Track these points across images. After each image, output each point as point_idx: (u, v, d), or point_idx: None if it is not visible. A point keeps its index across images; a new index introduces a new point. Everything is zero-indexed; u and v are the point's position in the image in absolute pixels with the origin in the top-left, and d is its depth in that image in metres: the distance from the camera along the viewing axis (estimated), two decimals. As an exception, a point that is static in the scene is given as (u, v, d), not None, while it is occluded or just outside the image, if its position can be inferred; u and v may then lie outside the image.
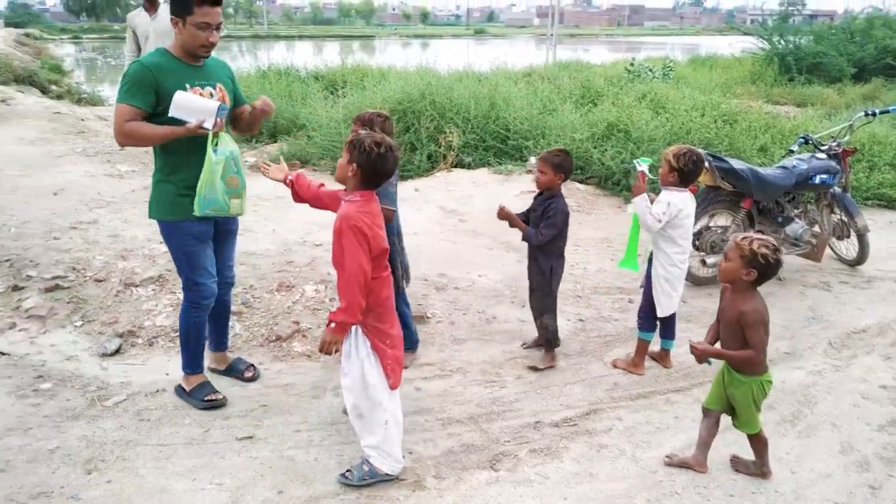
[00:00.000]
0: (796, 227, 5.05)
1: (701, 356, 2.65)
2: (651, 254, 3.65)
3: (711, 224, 4.95)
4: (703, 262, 4.87)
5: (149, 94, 2.83)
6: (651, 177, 3.63)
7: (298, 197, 2.93)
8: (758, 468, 2.82)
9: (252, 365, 3.55)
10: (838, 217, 5.34)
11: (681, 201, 3.44)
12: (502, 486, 2.73)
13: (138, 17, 6.68)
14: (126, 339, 3.82)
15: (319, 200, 2.89)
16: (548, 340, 3.72)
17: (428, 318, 4.26)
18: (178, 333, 3.85)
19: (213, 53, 3.07)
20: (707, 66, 17.19)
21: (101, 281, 4.31)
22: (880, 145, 7.86)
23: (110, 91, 13.34)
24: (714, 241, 4.84)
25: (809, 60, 15.14)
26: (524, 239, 3.58)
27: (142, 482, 2.67)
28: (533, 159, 7.04)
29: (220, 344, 3.54)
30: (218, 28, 2.92)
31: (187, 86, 2.88)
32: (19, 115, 9.05)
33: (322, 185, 2.93)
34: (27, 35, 32.46)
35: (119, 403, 3.24)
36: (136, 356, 3.70)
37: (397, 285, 3.60)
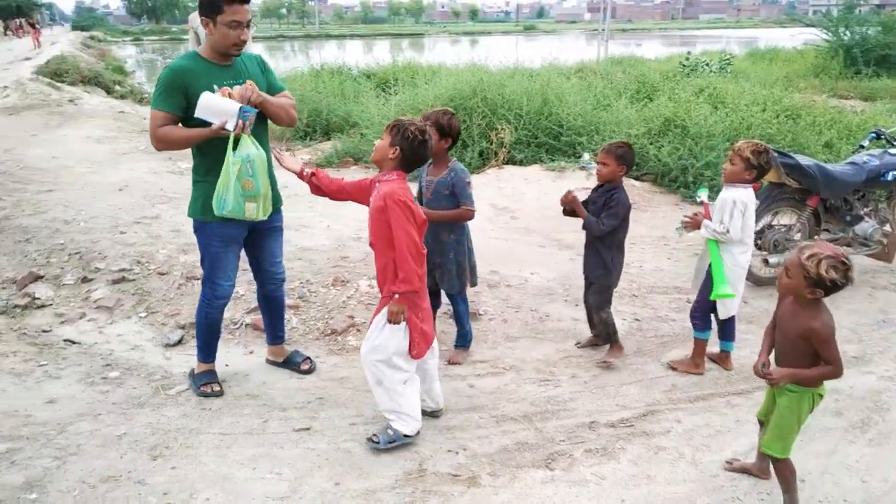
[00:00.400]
0: (866, 226, 4.83)
1: (778, 383, 2.40)
2: (703, 252, 3.54)
3: (774, 222, 4.78)
4: (766, 262, 4.71)
5: (179, 97, 2.87)
6: (710, 203, 3.50)
7: (319, 190, 3.05)
8: None
9: (308, 358, 3.60)
10: (911, 216, 5.08)
11: (747, 196, 3.34)
12: (558, 486, 2.70)
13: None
14: (188, 330, 3.93)
15: (344, 192, 3.03)
16: (608, 335, 3.69)
17: (480, 315, 4.25)
18: (236, 326, 3.97)
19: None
20: (767, 60, 16.64)
21: (163, 274, 4.46)
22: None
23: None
24: (777, 240, 4.67)
25: (877, 52, 14.48)
26: (584, 227, 3.52)
27: (204, 469, 2.75)
28: (587, 155, 6.95)
29: (276, 338, 3.61)
30: (248, 26, 2.94)
31: (215, 87, 2.90)
32: (86, 115, 9.45)
33: (342, 178, 3.06)
34: (92, 38, 33.90)
35: (182, 392, 3.34)
36: (195, 348, 3.80)
37: (462, 284, 3.62)
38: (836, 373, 2.37)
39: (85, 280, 4.39)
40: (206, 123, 2.86)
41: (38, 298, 4.17)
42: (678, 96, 8.37)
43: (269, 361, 3.62)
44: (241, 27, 2.88)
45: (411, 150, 2.73)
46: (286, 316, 4.08)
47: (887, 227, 4.99)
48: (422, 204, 3.55)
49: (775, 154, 4.45)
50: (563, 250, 5.35)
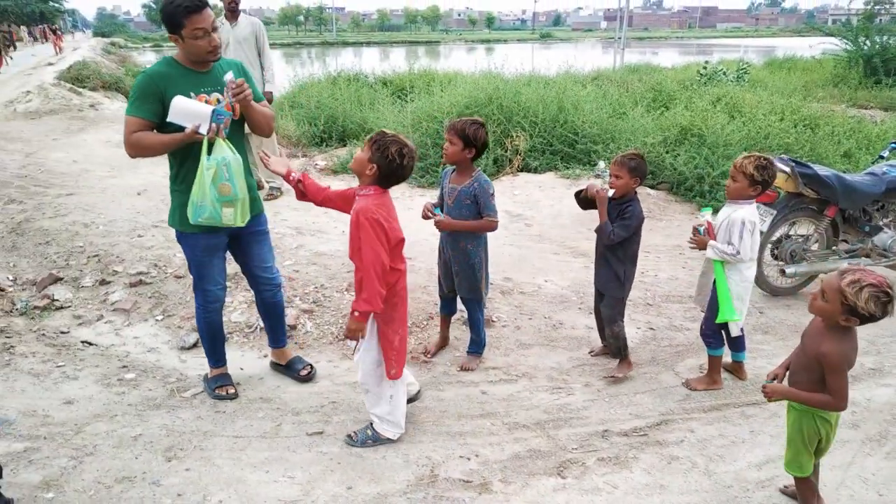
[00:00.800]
0: (885, 237, 4.78)
1: (771, 398, 2.37)
2: (707, 267, 3.44)
3: (792, 233, 4.73)
4: (782, 272, 4.67)
5: (154, 103, 2.82)
6: (713, 221, 3.42)
7: (304, 196, 3.00)
8: None
9: (310, 364, 3.58)
10: (932, 227, 5.02)
11: (754, 214, 3.26)
12: (570, 494, 2.69)
13: (219, 25, 6.95)
14: (203, 333, 3.97)
15: (329, 201, 2.99)
16: (618, 349, 3.63)
17: (494, 321, 4.25)
18: (251, 329, 4.00)
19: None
20: (785, 69, 16.50)
21: (180, 277, 4.51)
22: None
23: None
24: (794, 251, 4.63)
25: (898, 62, 14.32)
26: (596, 230, 3.44)
27: (218, 472, 2.77)
28: (602, 164, 6.93)
29: (277, 341, 3.59)
30: (215, 29, 2.88)
31: (192, 94, 2.86)
32: (107, 120, 9.59)
33: (328, 186, 3.03)
34: (113, 44, 34.40)
35: (196, 395, 3.37)
36: (212, 350, 3.84)
37: (479, 292, 3.62)
38: (837, 405, 2.27)
39: (103, 282, 4.45)
40: (182, 129, 2.81)
41: (57, 300, 4.23)
42: (695, 105, 8.35)
43: (273, 364, 3.64)
44: (208, 34, 2.83)
45: (389, 170, 2.67)
46: (301, 321, 4.12)
47: (907, 239, 4.93)
48: (442, 210, 3.56)
49: (793, 164, 4.43)
50: (577, 258, 5.34)
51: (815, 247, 4.75)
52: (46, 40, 32.43)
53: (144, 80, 2.86)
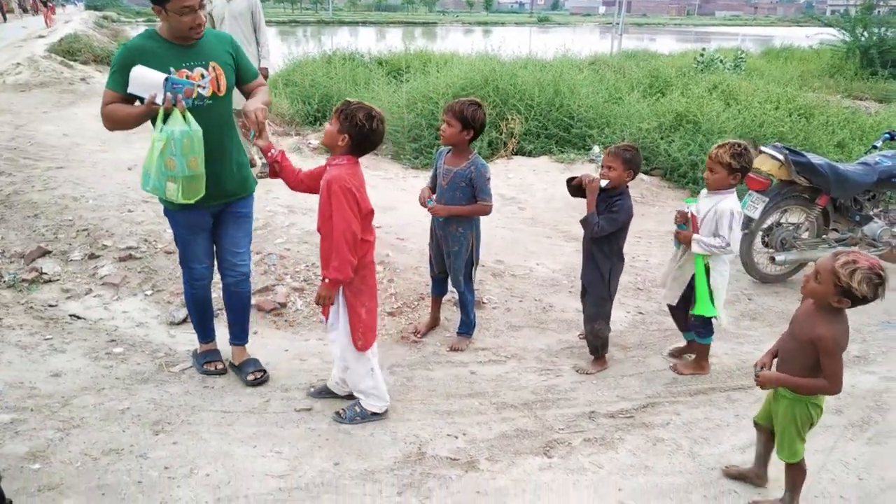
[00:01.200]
0: (875, 226, 4.81)
1: (765, 385, 2.37)
2: (685, 261, 3.36)
3: (783, 220, 4.75)
4: (772, 259, 4.69)
5: (127, 76, 2.71)
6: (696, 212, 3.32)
7: (276, 174, 2.95)
8: (786, 503, 2.50)
9: (262, 370, 3.32)
10: (922, 218, 5.05)
11: (737, 203, 3.20)
12: (555, 473, 2.71)
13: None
14: (193, 309, 3.95)
15: (302, 184, 2.94)
16: (595, 348, 3.56)
17: (484, 303, 4.26)
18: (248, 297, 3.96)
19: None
20: (782, 59, 16.46)
21: (170, 253, 4.48)
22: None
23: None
24: (785, 238, 4.65)
25: (895, 54, 14.30)
26: (582, 221, 3.37)
27: (206, 446, 2.78)
28: (596, 148, 6.92)
29: (236, 337, 3.39)
30: (202, 6, 2.79)
31: (172, 69, 2.76)
32: (98, 94, 9.44)
33: (300, 170, 2.97)
34: (105, 18, 33.88)
35: (185, 370, 3.37)
36: (201, 326, 3.83)
37: (467, 274, 3.62)
38: (832, 389, 2.27)
39: (92, 256, 4.42)
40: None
41: (46, 273, 4.20)
42: (691, 92, 8.33)
43: (230, 365, 3.40)
44: (194, 11, 2.73)
45: (360, 137, 2.68)
46: (292, 299, 4.12)
47: (895, 229, 4.96)
48: (434, 190, 3.55)
49: (787, 152, 4.43)
50: (569, 242, 5.34)
51: (805, 235, 4.77)
52: (37, 13, 31.92)
53: (123, 52, 2.78)
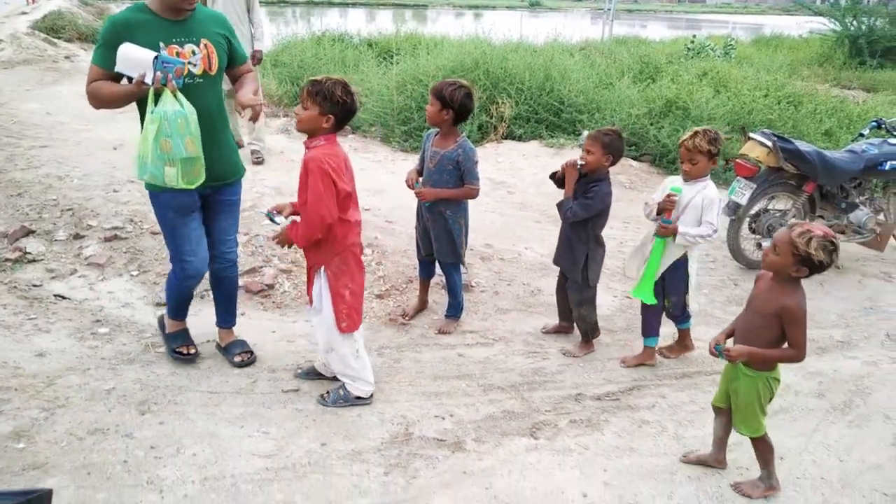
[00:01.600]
0: (860, 214, 4.85)
1: (737, 360, 2.39)
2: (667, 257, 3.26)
3: (770, 207, 4.78)
4: (759, 246, 4.73)
5: (114, 52, 2.59)
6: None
7: None
8: (765, 482, 2.54)
9: (249, 351, 3.29)
10: (906, 206, 5.10)
11: (715, 190, 3.18)
12: (541, 454, 2.74)
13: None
14: (179, 290, 3.92)
15: None
16: (585, 332, 3.57)
17: (473, 287, 4.26)
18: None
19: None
20: (772, 47, 16.48)
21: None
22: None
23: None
24: (772, 225, 4.68)
25: (884, 44, 14.37)
26: (558, 205, 3.35)
27: (192, 426, 2.77)
28: (586, 133, 6.90)
29: (224, 321, 3.35)
30: None
31: (161, 44, 2.64)
32: (82, 72, 9.28)
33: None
34: (91, -5, 33.35)
35: (172, 351, 3.35)
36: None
37: (454, 257, 3.61)
38: (798, 356, 2.34)
39: (77, 237, 4.36)
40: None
41: (30, 253, 4.15)
42: (681, 78, 8.33)
43: (217, 346, 3.37)
44: None
45: (344, 113, 2.65)
46: (279, 280, 4.10)
47: (881, 217, 5.01)
48: (421, 173, 3.53)
49: (775, 139, 4.45)
50: (558, 226, 5.32)
51: (791, 221, 4.80)
52: (20, -12, 31.29)
53: (109, 26, 2.65)
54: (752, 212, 4.73)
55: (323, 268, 2.80)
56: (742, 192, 4.50)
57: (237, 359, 3.24)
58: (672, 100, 7.32)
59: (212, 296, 3.37)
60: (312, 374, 3.16)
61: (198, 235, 2.97)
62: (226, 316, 3.34)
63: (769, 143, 4.43)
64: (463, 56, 8.05)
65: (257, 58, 5.96)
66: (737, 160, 4.63)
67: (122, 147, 6.02)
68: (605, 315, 3.93)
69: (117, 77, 2.67)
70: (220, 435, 2.72)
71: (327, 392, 3.01)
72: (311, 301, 2.92)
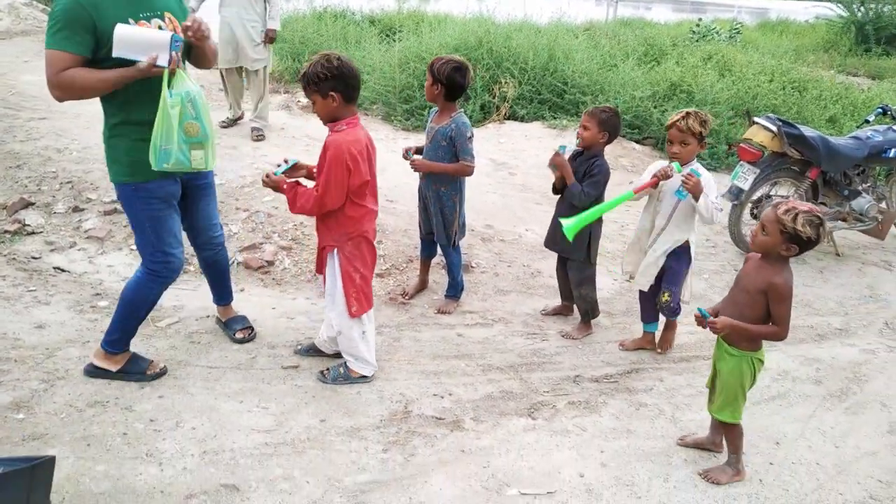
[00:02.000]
0: (863, 201, 4.83)
1: (721, 331, 2.37)
2: (659, 249, 3.21)
3: (773, 192, 4.77)
4: (760, 231, 4.71)
5: (84, 35, 2.36)
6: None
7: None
8: (733, 467, 2.55)
9: (250, 327, 3.28)
10: (909, 195, 5.09)
11: (706, 172, 3.10)
12: (539, 434, 2.75)
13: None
14: (179, 265, 3.91)
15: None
16: (586, 312, 3.57)
17: (473, 267, 4.25)
18: (230, 264, 3.94)
19: None
20: (777, 32, 16.32)
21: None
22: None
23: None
24: (773, 211, 4.66)
25: (890, 31, 14.25)
26: (564, 192, 3.33)
27: (191, 400, 2.78)
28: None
29: (221, 298, 3.31)
30: None
31: (130, 20, 2.43)
32: (82, 43, 9.19)
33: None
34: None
35: (171, 325, 3.35)
36: (187, 282, 3.79)
37: (448, 237, 3.60)
38: (781, 334, 2.36)
39: (76, 209, 4.34)
40: (121, 63, 2.40)
41: (29, 225, 4.13)
42: (686, 61, 8.26)
43: (216, 319, 3.37)
44: None
45: (340, 82, 2.57)
46: (279, 257, 4.09)
47: (883, 205, 5.00)
48: (420, 152, 3.52)
49: (780, 123, 4.42)
50: (558, 209, 5.32)
51: (775, 201, 4.79)
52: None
53: (70, 5, 2.34)
54: (755, 197, 4.71)
55: (336, 250, 2.79)
56: (745, 176, 4.48)
57: (238, 335, 3.25)
58: (676, 83, 7.27)
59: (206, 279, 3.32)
60: (312, 351, 3.16)
61: (179, 227, 2.82)
62: (223, 293, 3.32)
63: (774, 128, 4.40)
64: (466, 34, 7.95)
65: (270, 37, 5.91)
66: (740, 144, 4.60)
67: (121, 120, 5.98)
68: (604, 298, 3.93)
69: (92, 62, 2.43)
70: (219, 409, 2.73)
71: (327, 369, 3.02)
72: (324, 282, 2.93)
